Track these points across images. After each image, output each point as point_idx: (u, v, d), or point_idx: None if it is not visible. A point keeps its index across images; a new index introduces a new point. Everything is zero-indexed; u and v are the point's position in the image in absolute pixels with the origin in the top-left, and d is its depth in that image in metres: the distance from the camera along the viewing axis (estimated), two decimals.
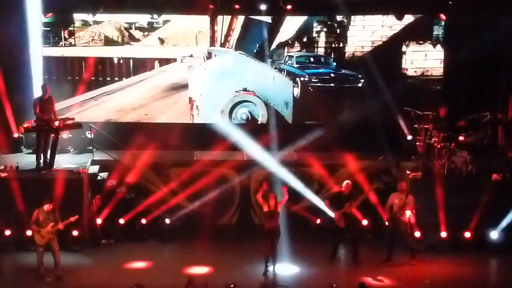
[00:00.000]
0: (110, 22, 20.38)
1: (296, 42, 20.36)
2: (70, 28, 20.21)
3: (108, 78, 20.44)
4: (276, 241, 15.55)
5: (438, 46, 20.19)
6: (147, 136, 18.99)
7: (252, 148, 18.82)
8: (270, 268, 15.43)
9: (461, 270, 16.02)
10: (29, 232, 15.78)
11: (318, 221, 18.02)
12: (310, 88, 20.28)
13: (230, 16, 20.12)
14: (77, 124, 18.05)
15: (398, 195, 16.35)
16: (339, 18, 20.24)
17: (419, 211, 16.42)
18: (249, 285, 13.02)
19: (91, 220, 17.44)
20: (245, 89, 20.37)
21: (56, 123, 17.21)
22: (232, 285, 12.66)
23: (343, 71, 20.41)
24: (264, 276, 15.36)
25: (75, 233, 16.70)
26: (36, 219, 15.04)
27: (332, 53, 20.47)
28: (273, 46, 20.38)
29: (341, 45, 20.34)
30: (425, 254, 16.74)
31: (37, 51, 19.29)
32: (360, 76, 20.15)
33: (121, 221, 17.79)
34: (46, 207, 15.05)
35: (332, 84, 20.41)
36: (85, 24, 20.31)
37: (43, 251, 15.11)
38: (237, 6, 19.53)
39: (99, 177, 18.17)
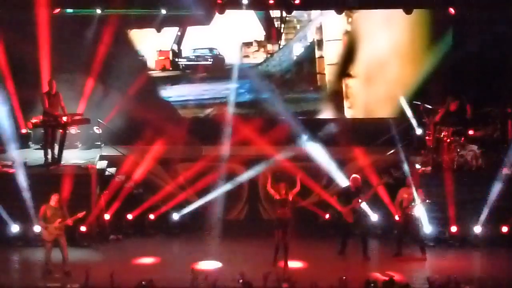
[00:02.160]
0: None
1: None
2: None
3: None
4: (287, 231, 15.50)
5: None
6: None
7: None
8: (280, 259, 15.43)
9: (471, 265, 16.01)
10: (37, 228, 15.81)
11: (327, 216, 17.97)
12: None
13: None
14: (85, 120, 18.07)
15: (407, 189, 16.30)
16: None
17: (429, 204, 16.35)
18: (258, 280, 12.96)
19: (99, 215, 17.43)
20: None
21: (64, 118, 17.24)
22: (240, 280, 12.64)
23: None
24: (273, 264, 15.34)
25: (83, 228, 16.71)
26: (43, 215, 15.03)
27: None
28: None
29: None
30: (435, 249, 16.71)
31: (46, 47, 19.30)
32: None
33: (129, 216, 17.79)
34: (53, 200, 15.03)
35: None
36: None
37: (51, 247, 15.10)
38: (245, 1, 19.45)
39: (107, 173, 18.16)
